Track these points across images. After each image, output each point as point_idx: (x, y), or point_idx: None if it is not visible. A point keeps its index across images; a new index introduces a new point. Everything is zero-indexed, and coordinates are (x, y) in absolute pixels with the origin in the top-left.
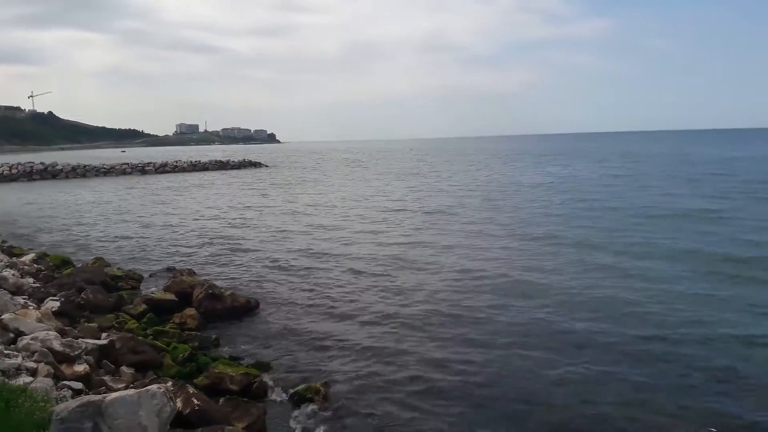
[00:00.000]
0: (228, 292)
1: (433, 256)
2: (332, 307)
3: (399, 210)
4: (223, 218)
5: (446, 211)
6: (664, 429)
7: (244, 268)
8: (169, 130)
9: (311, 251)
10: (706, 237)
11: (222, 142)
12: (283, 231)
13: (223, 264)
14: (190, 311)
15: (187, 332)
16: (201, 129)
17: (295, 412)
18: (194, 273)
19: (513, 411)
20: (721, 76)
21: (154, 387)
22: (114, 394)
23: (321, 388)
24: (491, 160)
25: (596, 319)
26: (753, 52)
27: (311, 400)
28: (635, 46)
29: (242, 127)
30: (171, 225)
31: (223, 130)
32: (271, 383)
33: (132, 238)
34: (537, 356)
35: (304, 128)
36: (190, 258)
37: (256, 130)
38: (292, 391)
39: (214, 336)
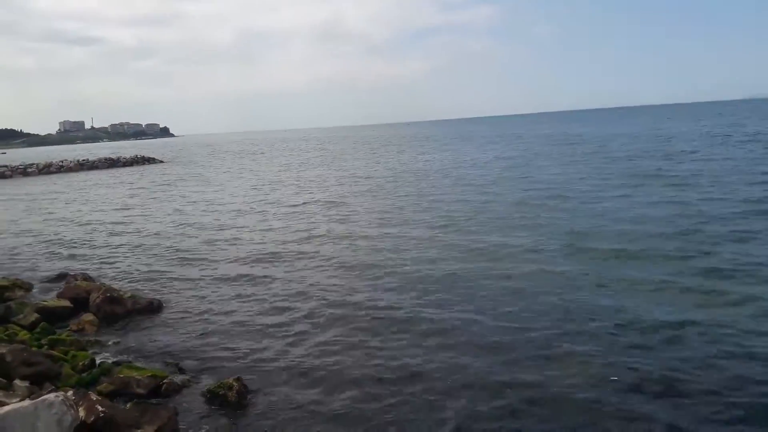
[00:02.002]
0: (128, 294)
1: (327, 246)
2: (237, 303)
3: (290, 206)
4: (117, 219)
5: (337, 201)
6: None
7: (144, 270)
8: (52, 128)
9: (211, 248)
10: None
11: (111, 139)
12: (182, 228)
13: (120, 266)
14: (88, 317)
15: (86, 339)
16: (87, 126)
17: (209, 410)
18: (90, 277)
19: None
20: (604, 58)
21: (51, 396)
22: (6, 408)
23: (234, 383)
24: (383, 147)
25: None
26: (630, 36)
27: (225, 396)
28: (522, 31)
29: (132, 122)
30: (60, 229)
31: (112, 126)
32: (180, 383)
33: (16, 246)
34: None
35: (200, 120)
36: (84, 262)
37: (147, 125)
38: (204, 389)
39: (116, 340)
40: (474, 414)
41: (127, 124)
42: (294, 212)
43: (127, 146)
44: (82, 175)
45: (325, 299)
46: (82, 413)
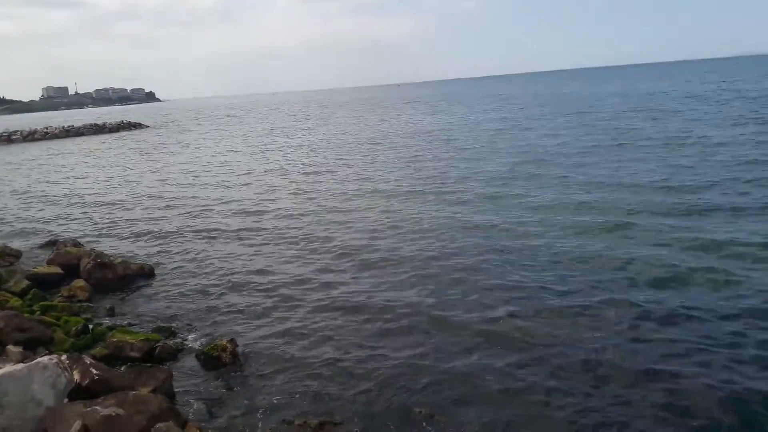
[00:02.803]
0: (119, 260)
1: (321, 215)
2: (228, 268)
3: (282, 171)
4: (104, 186)
5: (326, 170)
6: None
7: (134, 236)
8: (35, 94)
9: (201, 215)
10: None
11: (96, 105)
12: (171, 194)
13: (110, 233)
14: (79, 283)
15: (78, 304)
16: (71, 92)
17: (204, 371)
18: (80, 244)
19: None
20: (592, 16)
21: (45, 359)
22: (0, 371)
23: (228, 345)
24: (371, 109)
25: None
26: None
27: (219, 358)
28: None
29: (117, 87)
30: (47, 197)
31: (96, 91)
32: (174, 346)
33: (2, 215)
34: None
35: (185, 84)
36: (74, 230)
37: (133, 90)
38: (198, 351)
39: (108, 306)
40: (453, 369)
41: (112, 89)
42: (279, 177)
43: (112, 112)
44: (67, 142)
45: (317, 261)
46: (76, 376)
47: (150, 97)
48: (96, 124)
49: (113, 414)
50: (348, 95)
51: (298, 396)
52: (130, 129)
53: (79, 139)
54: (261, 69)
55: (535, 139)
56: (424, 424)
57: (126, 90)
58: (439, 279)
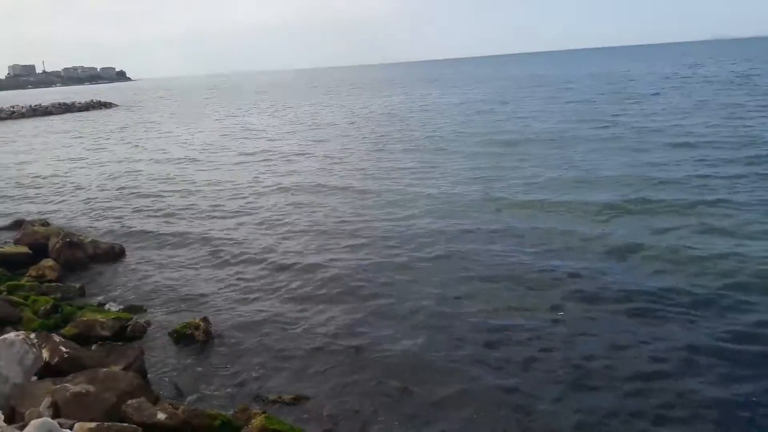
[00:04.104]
0: (88, 239)
1: (297, 194)
2: (199, 247)
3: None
4: (73, 166)
5: (304, 150)
6: None
7: (103, 216)
8: (1, 73)
9: (171, 195)
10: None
11: (64, 84)
12: (140, 174)
13: (79, 213)
14: (48, 262)
15: (47, 284)
16: (39, 70)
17: (176, 349)
18: (48, 223)
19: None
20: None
21: (11, 335)
22: None
23: (201, 323)
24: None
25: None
26: None
27: (192, 336)
28: None
29: (87, 66)
30: (13, 177)
31: (65, 70)
32: (146, 324)
33: None
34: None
35: (158, 63)
36: (41, 210)
37: (103, 68)
38: (170, 330)
39: (78, 285)
40: (434, 342)
41: (81, 68)
42: (249, 160)
43: (81, 91)
44: (35, 122)
45: (293, 240)
46: (45, 354)
47: (121, 76)
48: (65, 104)
49: (83, 391)
50: (326, 76)
51: (272, 373)
52: (100, 108)
53: (47, 119)
54: (234, 48)
55: (503, 121)
56: (400, 398)
57: (96, 69)
58: (419, 260)
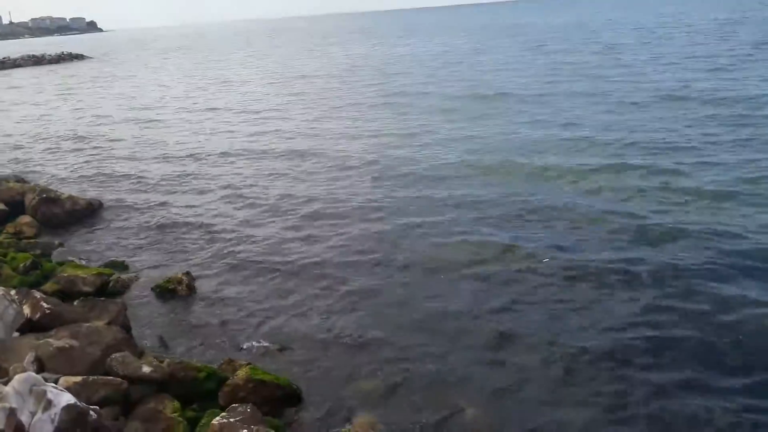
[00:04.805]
0: (65, 195)
1: (269, 157)
2: (177, 199)
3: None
4: (43, 121)
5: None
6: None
7: (79, 170)
8: None
9: (144, 146)
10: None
11: (33, 35)
12: (113, 126)
13: (53, 168)
14: (25, 218)
15: (25, 240)
16: (5, 21)
17: (160, 304)
18: (23, 179)
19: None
20: None
21: None
22: None
23: (183, 278)
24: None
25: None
26: None
27: (174, 291)
28: None
29: (56, 16)
30: None
31: (33, 20)
32: (128, 280)
33: None
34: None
35: (129, 13)
36: (14, 165)
37: (72, 19)
38: (152, 284)
39: (57, 241)
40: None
41: (50, 18)
42: (228, 115)
43: (51, 43)
44: (2, 74)
45: (264, 193)
46: (27, 311)
47: (92, 26)
48: (34, 56)
49: (67, 345)
50: (297, 25)
51: (255, 324)
52: (72, 60)
53: (16, 71)
54: None
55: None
56: (376, 348)
57: (65, 19)
58: (390, 225)
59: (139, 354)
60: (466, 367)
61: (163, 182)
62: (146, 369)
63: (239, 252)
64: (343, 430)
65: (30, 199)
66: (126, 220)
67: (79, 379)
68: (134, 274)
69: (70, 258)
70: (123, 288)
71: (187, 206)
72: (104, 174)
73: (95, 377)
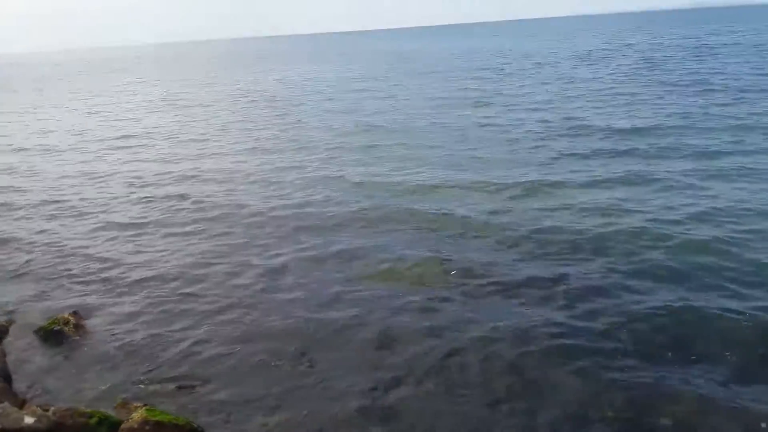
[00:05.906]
0: None
1: (171, 178)
2: (66, 237)
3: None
4: None
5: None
6: None
7: None
8: None
9: (25, 174)
10: None
11: None
12: None
13: None
14: None
15: None
16: None
17: (44, 348)
18: None
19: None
20: None
21: None
22: None
23: (71, 318)
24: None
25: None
26: None
27: (61, 332)
28: None
29: None
30: None
31: None
32: (7, 323)
33: None
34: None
35: None
36: None
37: None
38: (35, 327)
39: None
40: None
41: None
42: (117, 131)
43: None
44: None
45: (166, 223)
46: None
47: None
48: None
49: None
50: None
51: (153, 363)
52: None
53: None
54: (94, 18)
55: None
56: (295, 372)
57: None
58: (315, 231)
59: (21, 404)
60: (369, 390)
61: (41, 211)
62: (29, 420)
63: (136, 287)
64: None
65: None
66: (4, 258)
67: None
68: (13, 316)
69: None
70: (2, 333)
71: (77, 242)
72: None
73: None
